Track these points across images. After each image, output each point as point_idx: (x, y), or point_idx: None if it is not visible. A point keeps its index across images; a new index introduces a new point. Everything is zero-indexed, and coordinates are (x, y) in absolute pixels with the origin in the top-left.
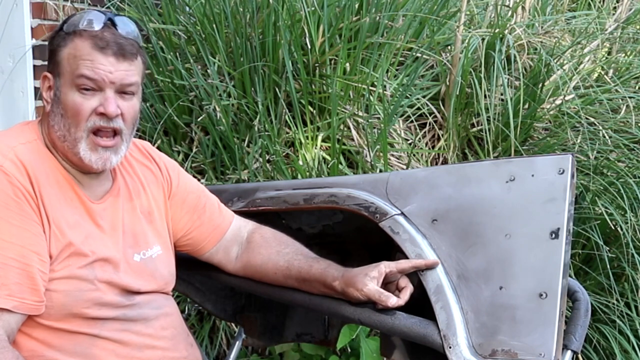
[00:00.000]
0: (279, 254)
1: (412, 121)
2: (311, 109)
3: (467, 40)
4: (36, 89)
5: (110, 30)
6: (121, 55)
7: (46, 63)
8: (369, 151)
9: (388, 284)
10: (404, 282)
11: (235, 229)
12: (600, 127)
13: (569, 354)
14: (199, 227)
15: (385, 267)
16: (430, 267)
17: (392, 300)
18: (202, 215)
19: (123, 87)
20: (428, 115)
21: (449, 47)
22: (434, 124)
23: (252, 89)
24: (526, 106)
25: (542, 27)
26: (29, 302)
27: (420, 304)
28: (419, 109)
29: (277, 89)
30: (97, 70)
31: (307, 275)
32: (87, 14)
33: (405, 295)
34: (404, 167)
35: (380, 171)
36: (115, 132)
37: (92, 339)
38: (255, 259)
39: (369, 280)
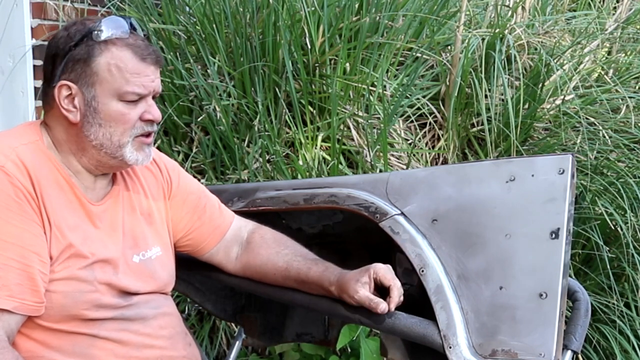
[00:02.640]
0: (278, 254)
1: (412, 121)
2: (311, 109)
3: (467, 40)
4: (36, 89)
5: (135, 35)
6: (158, 62)
7: None
8: (369, 151)
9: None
10: (387, 281)
11: (235, 229)
12: (600, 127)
13: (569, 354)
14: (200, 228)
15: (374, 272)
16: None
17: (382, 307)
18: (203, 216)
19: (157, 93)
20: (428, 115)
21: (449, 47)
22: (434, 124)
23: (252, 89)
24: (526, 106)
25: (542, 27)
26: (30, 303)
27: (420, 304)
28: (419, 109)
29: (277, 89)
30: (145, 83)
31: (306, 278)
32: (109, 21)
33: (393, 300)
34: (404, 167)
35: (380, 171)
36: None
37: (90, 339)
38: (255, 259)
39: (360, 286)
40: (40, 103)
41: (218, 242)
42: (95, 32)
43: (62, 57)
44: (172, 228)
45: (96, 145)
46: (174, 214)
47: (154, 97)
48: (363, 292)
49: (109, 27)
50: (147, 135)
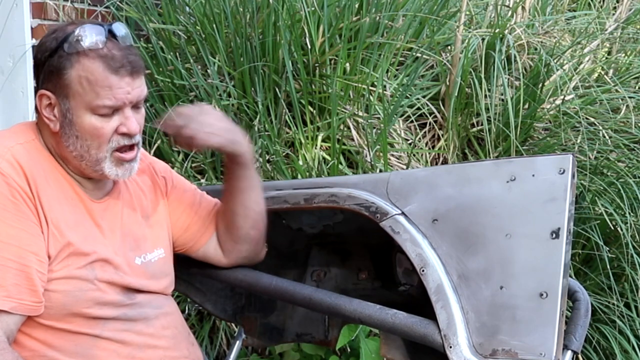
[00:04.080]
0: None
1: (412, 121)
2: (311, 109)
3: (467, 40)
4: (36, 89)
5: (114, 44)
6: (135, 72)
7: None
8: (369, 151)
9: None
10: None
11: None
12: (600, 127)
13: (569, 354)
14: (197, 222)
15: None
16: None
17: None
18: (199, 210)
19: (138, 103)
20: (428, 115)
21: (449, 47)
22: (434, 124)
23: (252, 89)
24: (526, 106)
25: (542, 27)
26: (28, 303)
27: (421, 304)
28: (419, 109)
29: (277, 89)
30: (117, 95)
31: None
32: (84, 29)
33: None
34: (404, 167)
35: (381, 171)
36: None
37: (93, 339)
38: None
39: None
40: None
41: (211, 235)
42: (68, 43)
43: (41, 66)
44: (171, 226)
45: (76, 157)
46: (172, 212)
47: (136, 106)
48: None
49: (84, 37)
50: (127, 148)
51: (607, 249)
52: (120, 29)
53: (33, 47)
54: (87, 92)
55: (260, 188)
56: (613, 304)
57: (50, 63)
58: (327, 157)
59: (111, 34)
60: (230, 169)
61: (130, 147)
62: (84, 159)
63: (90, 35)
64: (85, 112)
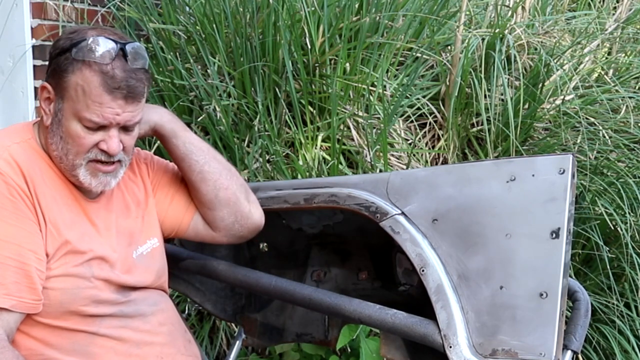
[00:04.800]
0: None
1: (412, 121)
2: (311, 109)
3: (467, 40)
4: (36, 89)
5: (121, 64)
6: (130, 97)
7: (46, 63)
8: (369, 151)
9: None
10: None
11: None
12: (600, 127)
13: (569, 353)
14: (179, 200)
15: None
16: None
17: None
18: (179, 188)
19: (129, 126)
20: (428, 115)
21: (449, 47)
22: (434, 124)
23: (252, 89)
24: (526, 106)
25: (542, 27)
26: (27, 300)
27: (421, 304)
28: (419, 109)
29: (277, 89)
30: (105, 114)
31: None
32: (97, 41)
33: None
34: (404, 167)
35: (381, 171)
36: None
37: (90, 336)
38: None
39: None
40: (39, 103)
41: (196, 210)
42: (77, 48)
43: (51, 60)
44: (156, 210)
45: (57, 157)
46: (155, 195)
47: (127, 128)
48: None
49: (94, 48)
50: (106, 163)
51: (607, 249)
52: (137, 52)
53: (33, 47)
54: (79, 100)
55: (202, 150)
56: (613, 304)
57: (58, 61)
58: (327, 157)
59: (122, 53)
60: (162, 143)
61: (110, 163)
62: (62, 162)
63: (100, 48)
64: (73, 118)
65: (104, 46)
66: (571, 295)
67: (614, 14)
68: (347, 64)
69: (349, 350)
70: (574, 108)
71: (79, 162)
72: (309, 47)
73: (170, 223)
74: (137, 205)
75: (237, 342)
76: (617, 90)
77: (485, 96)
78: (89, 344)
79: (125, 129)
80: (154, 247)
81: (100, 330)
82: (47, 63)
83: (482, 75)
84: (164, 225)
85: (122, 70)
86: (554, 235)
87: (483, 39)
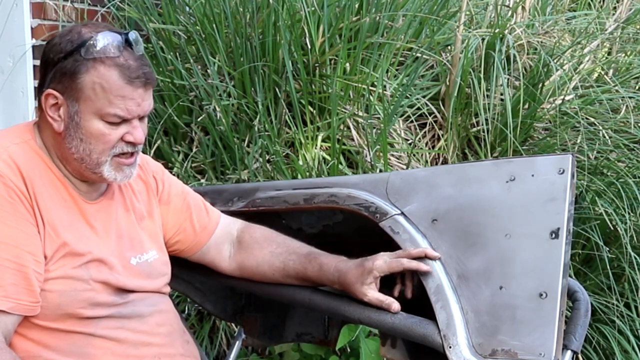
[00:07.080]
0: (272, 254)
1: (412, 121)
2: (311, 109)
3: (467, 40)
4: (36, 89)
5: (129, 53)
6: (148, 84)
7: None
8: (369, 151)
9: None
10: (395, 269)
11: (224, 226)
12: (600, 127)
13: (569, 354)
14: (187, 228)
15: (379, 272)
16: (426, 257)
17: (394, 307)
18: (190, 216)
19: (145, 114)
20: (428, 115)
21: (449, 47)
22: (434, 124)
23: (252, 89)
24: (526, 106)
25: (542, 27)
26: (25, 303)
27: (421, 304)
28: (419, 109)
29: (277, 89)
30: (129, 107)
31: (304, 277)
32: (103, 36)
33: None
34: (404, 167)
35: (380, 171)
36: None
37: (87, 338)
38: (249, 260)
39: (367, 288)
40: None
41: (207, 241)
42: (85, 47)
43: (52, 66)
44: (163, 229)
45: (77, 159)
46: (164, 215)
47: (141, 117)
48: (372, 294)
49: (101, 44)
50: (128, 155)
51: (607, 249)
52: (137, 40)
53: (33, 47)
54: (99, 98)
55: None
56: (613, 304)
57: (64, 65)
58: (327, 157)
59: (127, 43)
60: (319, 280)
61: (131, 153)
62: (84, 162)
63: (108, 43)
64: (93, 117)
65: (111, 40)
66: (571, 295)
67: (614, 14)
68: (347, 64)
69: (349, 350)
70: (574, 108)
71: (104, 159)
72: (309, 47)
73: (176, 246)
74: (139, 212)
75: (237, 342)
76: (617, 90)
77: (485, 96)
78: (86, 345)
79: (141, 117)
80: (155, 257)
81: (98, 332)
82: (47, 79)
83: (482, 75)
84: (169, 244)
85: (134, 59)
86: (553, 236)
87: (483, 39)
